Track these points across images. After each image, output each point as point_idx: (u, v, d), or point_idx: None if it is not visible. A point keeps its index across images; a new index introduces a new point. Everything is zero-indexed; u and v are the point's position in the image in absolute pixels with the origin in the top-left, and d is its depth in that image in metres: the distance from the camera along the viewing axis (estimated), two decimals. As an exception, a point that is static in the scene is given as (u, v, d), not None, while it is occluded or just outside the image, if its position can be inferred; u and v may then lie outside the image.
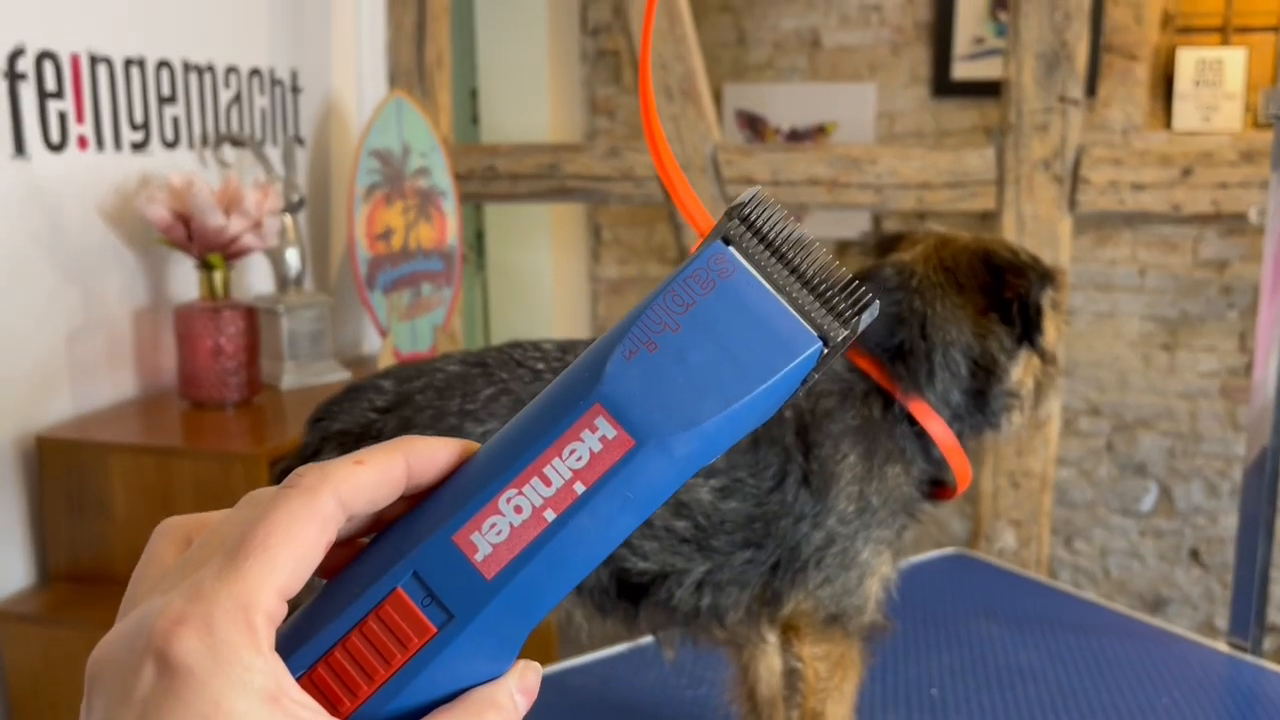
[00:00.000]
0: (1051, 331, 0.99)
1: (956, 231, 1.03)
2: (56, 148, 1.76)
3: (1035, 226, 2.31)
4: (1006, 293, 0.96)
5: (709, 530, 0.88)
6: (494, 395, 0.87)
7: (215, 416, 1.87)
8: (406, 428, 0.85)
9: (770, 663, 1.02)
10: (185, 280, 2.02)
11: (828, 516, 0.89)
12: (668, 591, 0.90)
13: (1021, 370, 0.99)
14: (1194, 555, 3.55)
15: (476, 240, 3.67)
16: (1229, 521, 3.48)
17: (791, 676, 0.93)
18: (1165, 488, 3.54)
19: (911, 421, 0.93)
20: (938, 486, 0.97)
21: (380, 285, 2.37)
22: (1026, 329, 0.96)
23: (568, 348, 0.91)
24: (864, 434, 0.91)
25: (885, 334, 0.95)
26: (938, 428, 0.94)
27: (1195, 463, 3.50)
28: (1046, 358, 0.99)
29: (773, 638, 0.96)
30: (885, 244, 1.06)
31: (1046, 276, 0.97)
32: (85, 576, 1.74)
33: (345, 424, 0.88)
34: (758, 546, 0.89)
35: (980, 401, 0.97)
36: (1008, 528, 2.44)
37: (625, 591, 0.91)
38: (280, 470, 0.90)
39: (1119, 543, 3.61)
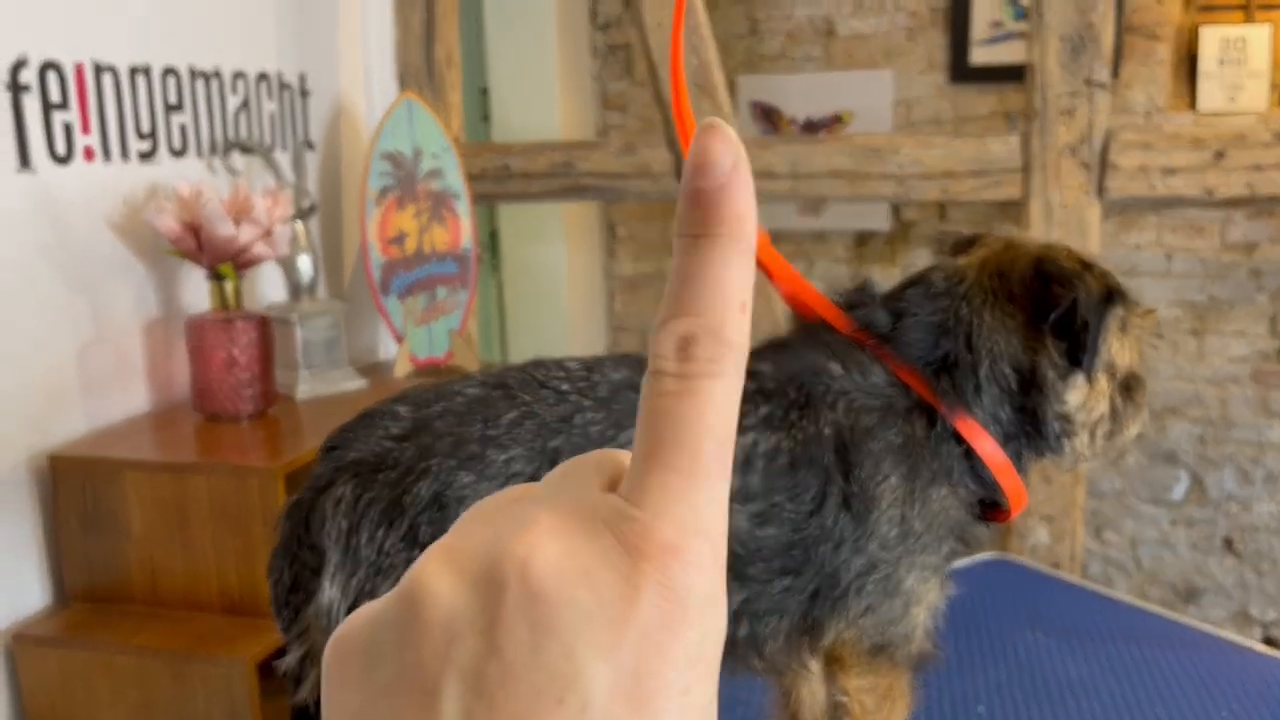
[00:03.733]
0: (1125, 355, 0.92)
1: (1029, 237, 0.97)
2: (62, 160, 1.73)
3: (1063, 215, 2.25)
4: (1053, 303, 0.90)
5: (745, 558, 0.83)
6: (517, 419, 0.83)
7: (230, 429, 1.84)
8: (426, 455, 0.81)
9: (813, 687, 0.97)
10: (197, 291, 1.98)
11: (869, 541, 0.84)
12: None
13: (1085, 394, 0.91)
14: (1227, 544, 3.49)
15: (491, 240, 3.63)
16: (1263, 509, 3.41)
17: (837, 710, 0.88)
18: (1196, 476, 3.48)
19: (959, 439, 0.88)
20: (991, 507, 0.91)
21: (395, 290, 2.33)
22: (1073, 348, 0.88)
23: (592, 366, 0.87)
24: (906, 453, 0.86)
25: (929, 345, 0.89)
26: (987, 446, 0.88)
27: (1227, 449, 3.43)
28: (1093, 381, 0.90)
29: (815, 666, 0.91)
30: (959, 246, 0.99)
31: (1111, 294, 0.89)
32: (102, 596, 1.71)
33: (360, 453, 0.83)
34: (796, 574, 0.84)
35: (1034, 422, 0.90)
36: (1040, 524, 2.39)
37: None
38: (290, 503, 0.85)
39: (1150, 532, 3.54)
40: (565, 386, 0.85)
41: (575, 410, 0.84)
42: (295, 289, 2.11)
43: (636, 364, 0.87)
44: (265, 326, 1.89)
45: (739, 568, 0.84)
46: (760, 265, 0.95)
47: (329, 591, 0.80)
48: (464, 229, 2.42)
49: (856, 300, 0.92)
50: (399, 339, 2.33)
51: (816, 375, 0.87)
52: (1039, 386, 0.89)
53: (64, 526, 1.70)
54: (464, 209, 2.42)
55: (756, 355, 0.91)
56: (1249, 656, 1.27)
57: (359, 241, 2.38)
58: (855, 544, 0.84)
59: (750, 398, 0.87)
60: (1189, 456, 3.47)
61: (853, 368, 0.88)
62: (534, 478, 0.81)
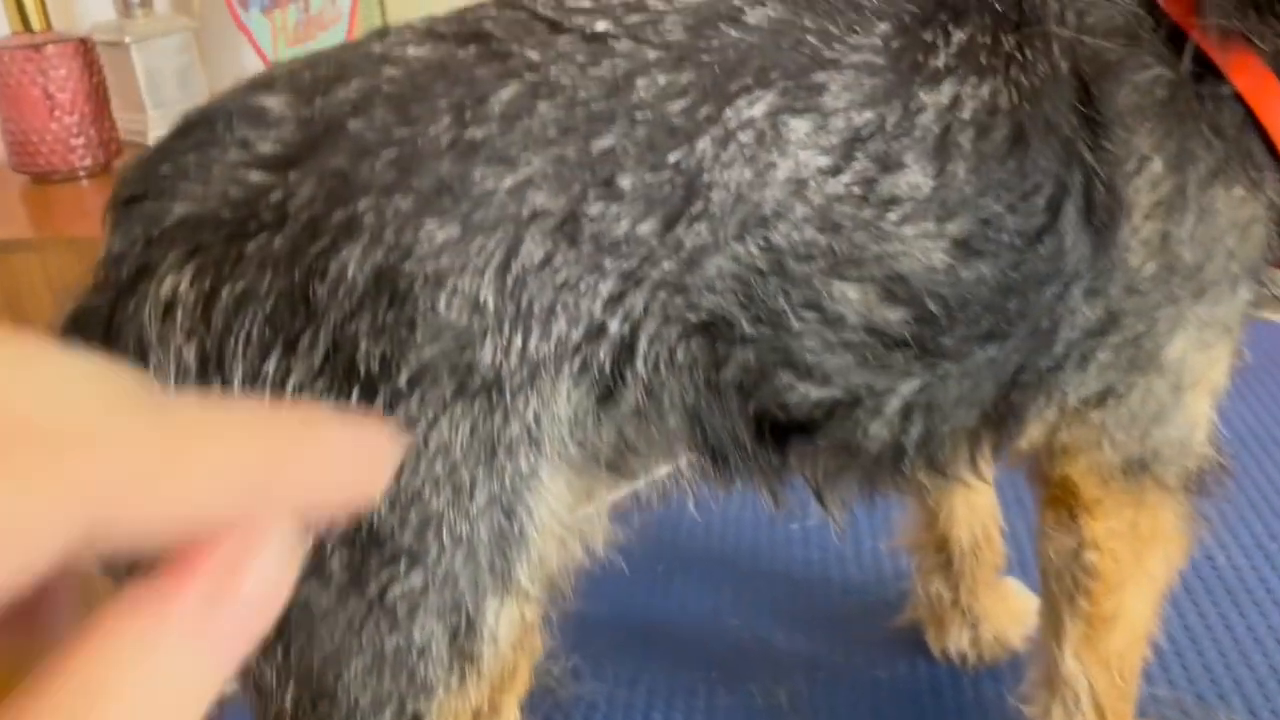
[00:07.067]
0: None
1: None
2: None
3: None
4: None
5: (942, 321, 0.49)
6: (523, 97, 0.43)
7: (65, 191, 1.47)
8: (342, 195, 0.41)
9: (973, 499, 0.66)
10: (-12, 11, 1.52)
11: (1108, 280, 0.50)
12: (854, 425, 0.51)
13: None
14: None
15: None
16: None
17: (1075, 565, 0.56)
18: None
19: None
20: None
21: (256, 3, 1.89)
22: None
23: None
24: (1172, 116, 0.50)
25: None
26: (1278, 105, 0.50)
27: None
28: None
29: (987, 474, 0.58)
30: None
31: None
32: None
33: (199, 202, 0.42)
34: (1004, 338, 0.50)
35: None
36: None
37: (775, 436, 0.51)
38: (69, 316, 0.48)
39: None
40: (601, 25, 0.45)
41: (633, 70, 0.45)
42: (126, 4, 1.67)
43: None
44: (88, 52, 1.49)
45: (931, 338, 0.49)
46: None
47: None
48: (334, -84, 1.93)
49: None
50: (268, 64, 1.89)
51: None
52: None
53: None
54: (331, -111, 1.92)
55: None
56: None
57: (200, -61, 1.89)
58: (1091, 284, 0.50)
59: (931, 19, 0.49)
60: None
61: None
62: (576, 222, 0.43)
